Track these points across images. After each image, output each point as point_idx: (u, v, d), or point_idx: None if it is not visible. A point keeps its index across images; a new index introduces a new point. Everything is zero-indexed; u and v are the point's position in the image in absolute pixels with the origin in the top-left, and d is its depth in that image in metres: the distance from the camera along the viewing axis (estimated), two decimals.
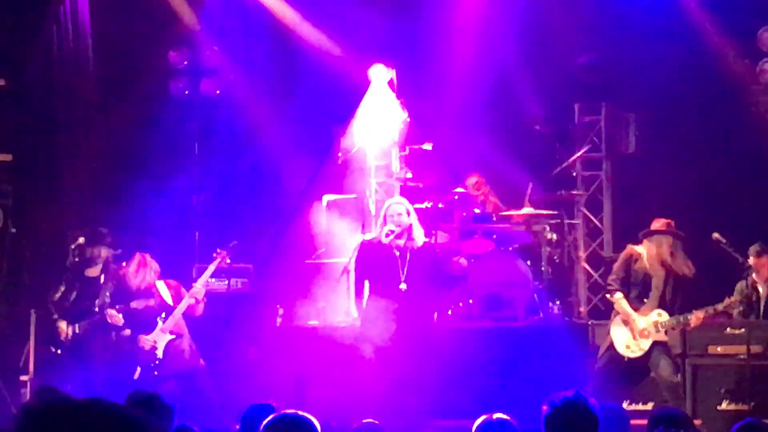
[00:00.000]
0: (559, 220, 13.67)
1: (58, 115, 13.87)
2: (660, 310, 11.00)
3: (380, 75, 14.45)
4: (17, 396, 11.60)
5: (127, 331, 11.46)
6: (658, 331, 10.97)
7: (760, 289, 11.90)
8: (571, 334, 12.43)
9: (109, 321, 11.41)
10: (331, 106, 14.33)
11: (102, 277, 11.68)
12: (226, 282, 12.80)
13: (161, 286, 11.63)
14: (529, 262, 13.12)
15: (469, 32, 14.23)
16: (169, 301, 11.58)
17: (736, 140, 14.32)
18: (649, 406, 11.04)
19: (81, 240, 11.69)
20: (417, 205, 11.95)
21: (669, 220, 11.39)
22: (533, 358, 12.08)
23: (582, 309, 14.34)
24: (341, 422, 8.74)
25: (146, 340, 11.39)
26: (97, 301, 11.51)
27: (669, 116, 14.68)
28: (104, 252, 11.76)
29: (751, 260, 11.82)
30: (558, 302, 13.09)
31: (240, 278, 13.23)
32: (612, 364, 11.16)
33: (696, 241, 12.74)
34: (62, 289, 11.68)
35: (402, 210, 10.80)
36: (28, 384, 11.61)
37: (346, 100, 14.47)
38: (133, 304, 11.50)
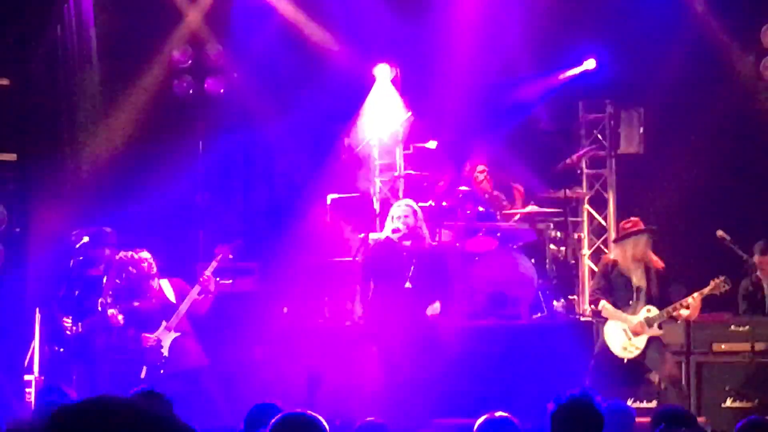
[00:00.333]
0: (563, 218, 13.66)
1: (62, 114, 13.88)
2: (648, 306, 10.95)
3: (385, 73, 14.48)
4: (22, 395, 11.61)
5: (131, 331, 11.47)
6: (650, 326, 10.92)
7: (765, 287, 11.89)
8: (575, 332, 12.42)
9: (111, 321, 11.42)
10: (335, 105, 14.33)
11: (105, 277, 11.68)
12: (231, 281, 12.80)
13: (165, 285, 11.64)
14: (533, 260, 13.12)
15: (472, 30, 14.21)
16: (172, 299, 11.58)
17: (741, 138, 14.32)
18: (653, 404, 11.03)
19: (85, 239, 11.70)
20: (421, 204, 11.95)
21: (636, 219, 11.35)
22: (537, 356, 12.07)
23: (586, 307, 14.34)
24: (345, 420, 8.75)
25: (150, 339, 11.39)
26: (99, 300, 11.51)
27: (673, 114, 14.67)
28: (108, 252, 11.77)
29: (756, 258, 11.82)
30: (562, 300, 13.08)
31: (245, 277, 13.23)
32: (612, 363, 11.13)
33: (700, 239, 12.75)
34: (65, 287, 11.69)
35: (409, 212, 10.81)
36: (33, 383, 11.61)
37: (351, 98, 14.48)
38: (136, 303, 11.50)
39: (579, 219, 14.87)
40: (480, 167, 14.00)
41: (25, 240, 12.91)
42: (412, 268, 10.63)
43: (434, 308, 10.96)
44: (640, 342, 10.93)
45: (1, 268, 11.89)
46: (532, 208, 13.50)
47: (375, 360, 10.98)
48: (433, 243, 11.36)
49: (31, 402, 11.12)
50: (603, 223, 15.06)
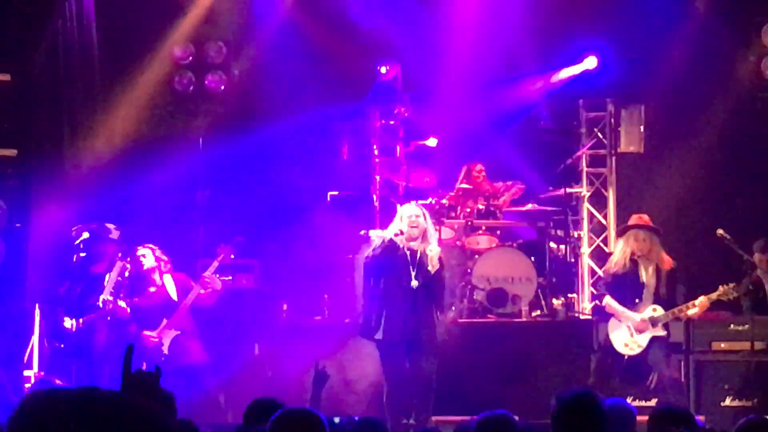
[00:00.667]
0: (563, 217, 13.66)
1: (63, 110, 13.87)
2: (655, 305, 10.97)
3: (386, 71, 14.48)
4: (21, 391, 11.61)
5: (133, 327, 11.48)
6: (655, 326, 10.94)
7: (766, 285, 11.89)
8: (574, 330, 12.44)
9: (118, 314, 11.42)
10: (336, 102, 14.33)
11: (108, 275, 11.69)
12: (231, 277, 12.81)
13: (168, 281, 11.65)
14: (533, 258, 13.12)
15: (474, 28, 14.21)
16: (174, 296, 11.59)
17: (741, 137, 14.32)
18: (653, 402, 11.03)
19: (85, 235, 11.70)
20: (422, 201, 11.96)
21: (640, 215, 11.37)
22: (537, 354, 12.09)
23: (585, 305, 14.34)
24: (345, 417, 8.75)
25: (151, 337, 11.40)
26: (101, 296, 11.52)
27: (674, 113, 14.68)
28: (111, 248, 11.78)
29: (756, 256, 11.81)
30: (562, 298, 13.09)
31: (245, 274, 13.23)
32: (612, 361, 11.15)
33: (700, 238, 12.75)
34: (68, 284, 11.70)
35: (419, 213, 10.82)
36: (32, 379, 11.62)
37: (352, 96, 14.48)
38: (137, 299, 11.51)
39: (579, 217, 14.88)
40: (478, 167, 14.00)
41: (25, 235, 12.90)
42: (415, 268, 10.61)
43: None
44: (643, 340, 10.95)
45: (2, 264, 11.88)
46: (532, 206, 13.51)
47: (375, 358, 10.98)
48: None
49: None
50: (603, 221, 15.07)
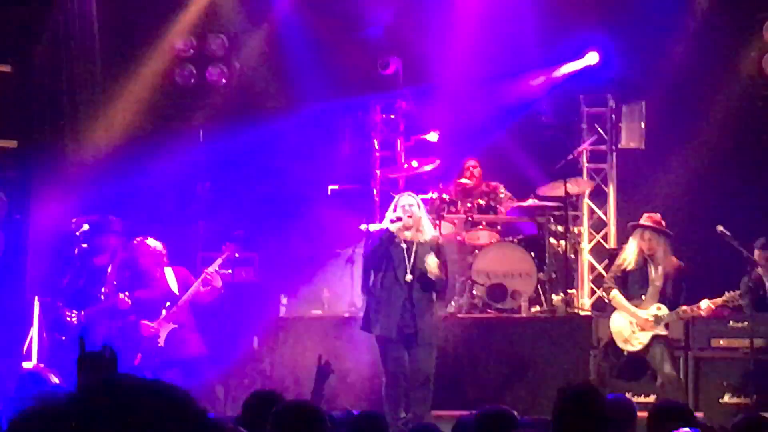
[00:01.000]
0: (563, 212, 13.65)
1: (63, 101, 13.86)
2: (659, 304, 10.98)
3: (387, 65, 14.48)
4: (19, 383, 11.60)
5: (132, 317, 11.49)
6: (657, 324, 10.95)
7: (766, 282, 11.89)
8: (574, 326, 12.43)
9: (119, 306, 11.43)
10: (337, 96, 14.33)
11: (110, 266, 11.69)
12: (230, 271, 12.81)
13: (168, 273, 11.65)
14: (533, 254, 13.12)
15: (475, 23, 14.20)
16: (175, 289, 11.59)
17: (742, 133, 14.30)
18: (652, 398, 11.04)
19: (85, 227, 11.70)
20: (422, 196, 11.96)
21: (651, 215, 11.36)
22: (537, 350, 12.09)
23: (585, 301, 14.34)
24: (344, 411, 8.74)
25: (149, 327, 11.41)
26: (103, 289, 11.53)
27: (675, 109, 14.66)
28: (113, 240, 11.78)
29: (756, 253, 11.81)
30: (562, 294, 13.08)
31: (244, 267, 13.23)
32: (612, 357, 11.16)
33: (700, 235, 12.73)
34: (69, 276, 11.70)
35: (413, 202, 10.82)
36: (32, 370, 11.61)
37: (353, 89, 14.47)
38: (138, 293, 11.51)
39: (579, 213, 14.87)
40: (470, 162, 13.99)
41: (25, 227, 12.90)
42: (411, 260, 10.61)
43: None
44: (645, 337, 10.95)
45: (1, 256, 11.88)
46: (532, 201, 13.51)
47: (374, 351, 10.98)
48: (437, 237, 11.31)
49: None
50: (603, 217, 15.07)
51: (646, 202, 13.57)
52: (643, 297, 11.05)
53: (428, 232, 10.83)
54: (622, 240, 13.99)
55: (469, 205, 13.46)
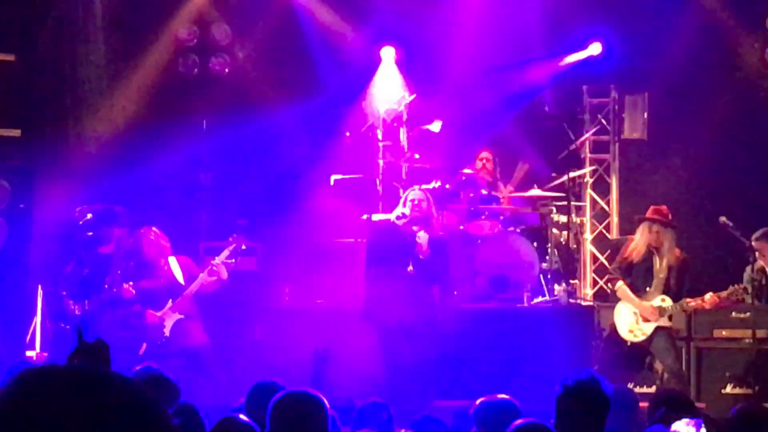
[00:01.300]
0: (566, 203, 13.65)
1: (67, 90, 13.88)
2: (664, 296, 11.01)
3: (390, 55, 14.48)
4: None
5: (137, 307, 11.51)
6: (661, 316, 10.98)
7: None
8: (577, 316, 12.44)
9: (123, 296, 11.45)
10: (340, 86, 14.33)
11: (114, 256, 11.71)
12: (234, 261, 12.82)
13: (173, 263, 11.66)
14: (535, 244, 13.13)
15: (479, 13, 14.19)
16: (180, 279, 11.61)
17: (745, 124, 14.31)
18: (653, 389, 11.06)
19: (89, 216, 11.72)
20: (425, 186, 11.96)
21: (658, 207, 11.37)
22: (539, 340, 12.09)
23: (587, 291, 14.36)
24: (346, 402, 8.76)
25: (154, 315, 11.43)
26: (107, 278, 11.55)
27: (677, 100, 14.67)
28: (118, 230, 11.81)
29: (756, 244, 11.81)
30: (564, 284, 13.09)
31: (247, 257, 13.24)
32: (615, 347, 11.18)
33: (703, 225, 12.75)
34: (73, 264, 11.73)
35: (423, 197, 10.84)
36: (35, 359, 11.64)
37: (356, 79, 14.48)
38: (143, 283, 11.54)
39: (582, 203, 14.88)
40: (484, 154, 13.98)
41: (29, 216, 12.92)
42: (415, 252, 10.63)
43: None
44: (648, 328, 10.97)
45: (5, 244, 11.90)
46: (535, 191, 13.50)
47: (377, 341, 11.00)
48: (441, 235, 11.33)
49: None
50: (606, 207, 15.08)
51: (648, 192, 13.59)
52: (647, 289, 11.08)
53: (434, 225, 10.85)
54: (624, 230, 14.01)
55: (471, 195, 13.46)
